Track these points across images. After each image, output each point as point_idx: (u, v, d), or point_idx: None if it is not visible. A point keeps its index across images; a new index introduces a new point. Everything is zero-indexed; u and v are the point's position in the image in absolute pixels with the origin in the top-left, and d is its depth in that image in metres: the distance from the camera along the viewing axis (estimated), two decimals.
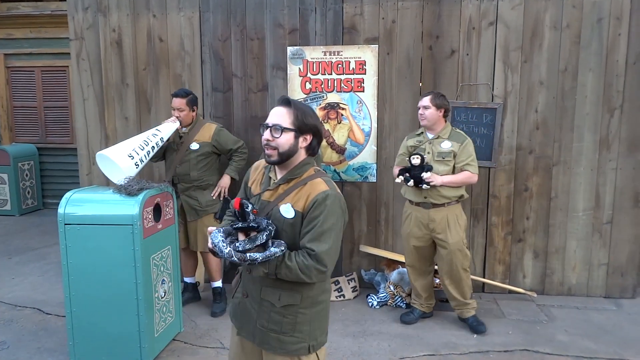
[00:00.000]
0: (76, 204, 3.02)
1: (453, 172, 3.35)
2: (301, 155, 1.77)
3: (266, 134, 1.73)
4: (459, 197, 3.40)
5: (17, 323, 3.73)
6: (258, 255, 1.61)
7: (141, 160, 3.30)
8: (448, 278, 3.47)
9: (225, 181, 3.84)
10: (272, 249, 1.63)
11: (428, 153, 3.36)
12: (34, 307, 4.02)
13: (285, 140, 1.71)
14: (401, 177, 3.37)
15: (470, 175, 3.34)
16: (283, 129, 1.71)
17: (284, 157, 1.73)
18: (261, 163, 1.94)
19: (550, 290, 4.15)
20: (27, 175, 7.37)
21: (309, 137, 1.76)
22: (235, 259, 1.61)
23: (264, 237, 1.64)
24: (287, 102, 1.75)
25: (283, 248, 1.66)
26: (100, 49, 4.33)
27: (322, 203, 1.66)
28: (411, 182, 3.31)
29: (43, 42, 7.37)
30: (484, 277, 4.17)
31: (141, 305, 2.98)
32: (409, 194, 3.47)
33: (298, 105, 1.75)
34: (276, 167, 1.81)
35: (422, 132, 3.49)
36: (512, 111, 4.01)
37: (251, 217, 1.65)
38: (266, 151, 1.75)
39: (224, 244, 1.65)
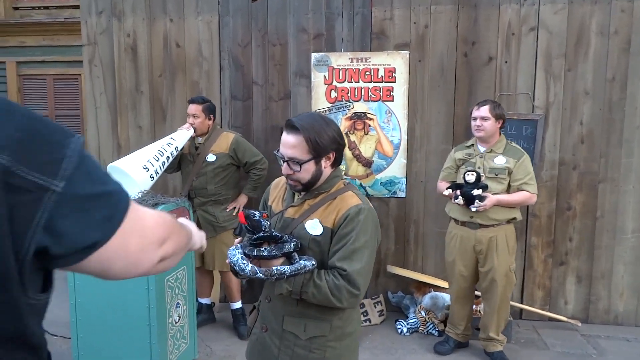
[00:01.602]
0: None
1: (507, 192, 3.04)
2: (327, 172, 1.62)
3: (285, 169, 1.59)
4: (510, 219, 3.07)
5: None
6: (287, 268, 1.44)
7: (156, 172, 3.05)
8: (487, 306, 3.16)
9: (242, 200, 3.59)
10: (302, 262, 1.47)
11: (479, 168, 3.06)
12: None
13: (307, 171, 1.57)
14: (450, 191, 3.07)
15: (529, 196, 3.01)
16: (302, 163, 1.55)
17: (310, 185, 1.60)
18: (282, 180, 1.77)
19: (594, 318, 3.81)
20: None
21: (331, 156, 1.60)
22: (261, 274, 1.43)
23: (292, 247, 1.49)
24: (294, 127, 1.55)
25: (314, 262, 1.50)
26: (114, 55, 4.11)
27: (354, 218, 1.52)
28: (460, 200, 3.00)
29: (55, 49, 7.22)
30: (522, 303, 3.84)
31: (154, 333, 2.71)
32: (454, 212, 3.17)
33: (308, 127, 1.54)
34: None
35: (472, 144, 3.19)
36: (555, 123, 3.72)
37: (264, 224, 1.48)
38: (289, 182, 1.62)
39: (244, 262, 1.47)
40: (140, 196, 2.84)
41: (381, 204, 3.95)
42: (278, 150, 1.59)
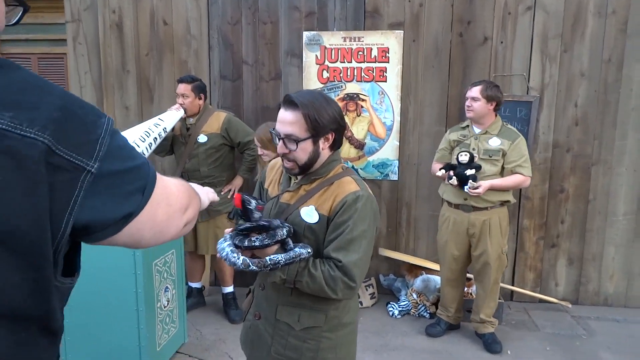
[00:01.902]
0: None
1: (501, 174, 3.01)
2: (325, 155, 1.53)
3: (280, 147, 1.49)
4: (503, 201, 3.04)
5: None
6: (281, 257, 1.37)
7: (142, 154, 2.96)
8: (480, 289, 3.16)
9: (237, 182, 3.51)
10: (297, 250, 1.40)
11: (473, 149, 3.01)
12: None
13: (304, 150, 1.47)
14: (443, 172, 3.03)
15: (522, 179, 2.98)
16: (299, 141, 1.46)
17: (307, 167, 1.51)
18: (278, 161, 1.68)
19: (584, 300, 3.83)
20: None
21: (330, 136, 1.51)
22: (254, 267, 1.37)
23: (284, 233, 1.41)
24: (293, 103, 1.46)
25: (310, 250, 1.43)
26: (99, 32, 3.98)
27: (351, 205, 1.43)
28: (454, 181, 2.96)
29: (40, 27, 7.00)
30: (513, 285, 3.84)
31: (142, 317, 2.67)
32: (448, 195, 3.13)
33: (307, 103, 1.45)
34: None
35: (467, 126, 3.14)
36: (549, 105, 3.67)
37: (256, 214, 1.44)
38: (285, 164, 1.52)
39: (235, 255, 1.40)
40: None
41: (373, 187, 3.90)
42: (274, 128, 1.51)
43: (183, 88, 3.33)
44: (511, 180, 2.97)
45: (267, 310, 1.58)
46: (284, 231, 1.41)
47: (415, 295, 3.62)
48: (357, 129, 3.86)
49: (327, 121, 1.46)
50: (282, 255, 1.38)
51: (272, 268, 1.38)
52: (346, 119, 3.84)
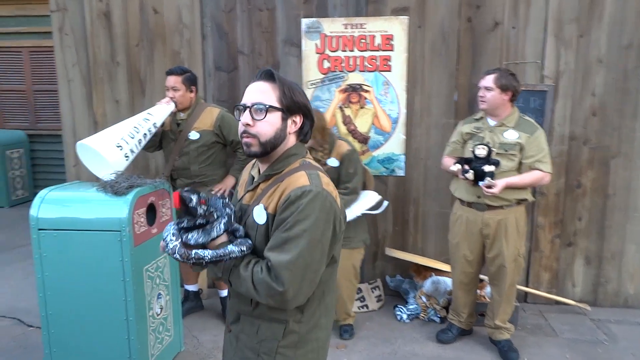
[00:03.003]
0: (52, 205, 2.50)
1: (518, 170, 2.79)
2: (289, 142, 1.41)
3: (245, 117, 1.34)
4: (520, 200, 2.81)
5: None
6: (207, 254, 1.30)
7: (132, 151, 2.76)
8: (496, 293, 2.95)
9: (229, 182, 3.30)
10: (230, 247, 1.31)
11: (488, 143, 2.78)
12: (14, 317, 3.53)
13: (271, 123, 1.34)
14: (458, 166, 2.79)
15: (542, 175, 2.74)
16: (267, 109, 1.33)
17: (269, 147, 1.36)
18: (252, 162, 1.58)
19: (603, 301, 3.62)
20: (16, 164, 6.84)
21: (298, 119, 1.40)
22: (178, 255, 1.30)
23: (221, 228, 1.32)
24: (270, 75, 1.36)
25: (244, 249, 1.32)
26: (86, 22, 3.75)
27: (294, 202, 1.27)
28: (471, 175, 2.71)
29: (31, 20, 6.80)
30: (527, 286, 3.64)
31: (132, 328, 2.48)
32: (460, 192, 2.90)
33: (284, 79, 1.38)
34: (259, 161, 1.45)
35: (481, 117, 2.90)
36: (565, 94, 3.44)
37: (201, 210, 1.33)
38: (244, 139, 1.36)
39: (172, 238, 1.34)
40: (113, 178, 2.56)
41: (378, 183, 3.69)
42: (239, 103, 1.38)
43: (173, 80, 3.12)
44: (529, 177, 2.73)
45: (232, 320, 1.49)
46: (221, 226, 1.32)
47: (424, 298, 3.42)
48: (361, 121, 3.64)
49: (300, 102, 1.37)
50: (210, 252, 1.30)
51: (195, 262, 1.31)
52: (349, 111, 3.63)
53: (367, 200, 3.08)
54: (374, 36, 3.53)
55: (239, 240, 1.35)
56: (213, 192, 3.23)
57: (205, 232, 1.32)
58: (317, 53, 3.59)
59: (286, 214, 1.27)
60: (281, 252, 1.25)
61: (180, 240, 1.33)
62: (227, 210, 1.36)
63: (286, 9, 3.58)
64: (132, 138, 2.79)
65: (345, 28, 3.54)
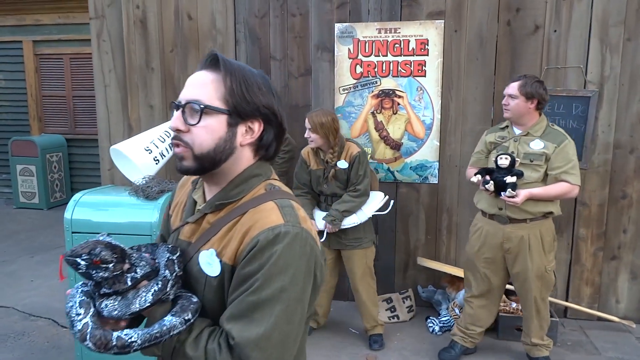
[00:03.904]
0: (86, 208, 2.53)
1: (544, 181, 2.63)
2: (244, 159, 1.02)
3: (175, 120, 0.97)
4: (546, 213, 2.66)
5: (28, 337, 3.31)
6: (135, 337, 0.89)
7: (162, 155, 2.77)
8: (524, 310, 2.81)
9: None
10: (169, 320, 0.91)
11: (512, 152, 2.66)
12: (49, 317, 3.60)
13: (209, 130, 0.96)
14: (479, 177, 2.68)
15: (569, 187, 2.58)
16: (203, 110, 0.96)
17: (206, 163, 0.98)
18: (190, 178, 1.19)
19: None
20: (55, 167, 7.05)
21: (256, 126, 1.00)
22: (91, 343, 0.87)
23: (147, 299, 0.92)
24: (214, 61, 0.99)
25: (189, 316, 0.93)
26: (123, 29, 3.83)
27: (265, 249, 0.91)
28: (491, 186, 2.61)
29: (71, 27, 7.02)
30: (567, 300, 3.47)
31: None
32: (482, 203, 2.78)
33: (235, 68, 0.98)
34: (204, 180, 1.07)
35: (507, 126, 2.79)
36: (610, 100, 3.28)
37: (102, 274, 0.90)
38: (174, 149, 1.00)
39: (80, 312, 0.91)
40: (145, 182, 2.57)
41: (411, 191, 3.60)
42: (175, 101, 1.01)
43: None
44: (555, 189, 2.58)
45: None
46: (148, 297, 0.92)
47: (457, 310, 3.30)
48: (394, 128, 3.56)
49: (258, 100, 0.98)
50: (140, 333, 0.90)
51: (118, 352, 0.89)
52: (381, 117, 3.56)
53: (375, 202, 3.06)
54: (408, 41, 3.46)
55: (179, 304, 0.95)
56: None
57: (124, 302, 0.92)
58: (350, 58, 3.55)
59: (253, 267, 0.90)
60: (249, 323, 0.89)
61: (91, 314, 0.91)
62: (166, 272, 0.96)
63: (319, 14, 3.56)
64: (163, 142, 2.80)
65: (379, 33, 3.48)
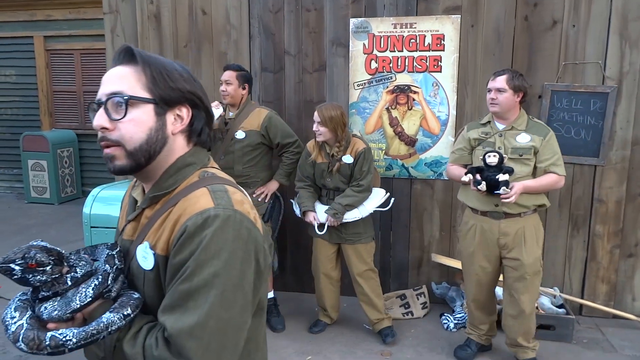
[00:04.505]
0: (104, 203, 2.53)
1: (533, 175, 2.63)
2: (178, 148, 1.00)
3: (99, 118, 0.93)
4: (538, 205, 2.66)
5: None
6: (70, 335, 0.86)
7: None
8: (512, 308, 2.73)
9: (272, 186, 3.27)
10: (107, 317, 0.88)
11: (499, 148, 2.64)
12: None
13: (138, 122, 0.93)
14: (469, 177, 2.63)
15: (557, 178, 2.59)
16: (128, 101, 0.92)
17: (142, 158, 0.95)
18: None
19: None
20: (66, 162, 7.09)
21: (184, 112, 0.99)
22: (23, 344, 0.84)
23: (88, 294, 0.89)
24: (128, 55, 0.96)
25: (128, 311, 0.90)
26: (137, 24, 3.82)
27: (195, 234, 0.87)
28: (483, 186, 2.56)
29: (82, 23, 7.03)
30: (582, 298, 3.45)
31: None
32: (472, 201, 2.74)
33: (152, 58, 0.97)
34: (140, 179, 1.05)
35: (488, 122, 2.76)
36: (629, 96, 3.25)
37: (39, 277, 0.87)
38: (104, 151, 0.96)
39: (15, 315, 0.88)
40: None
41: (425, 187, 3.59)
42: (96, 100, 0.97)
43: (228, 75, 3.15)
44: (546, 180, 2.59)
45: None
46: (88, 291, 0.90)
47: None
48: (408, 123, 3.54)
49: (182, 86, 0.97)
50: (75, 331, 0.86)
51: (52, 352, 0.85)
52: (396, 113, 3.54)
53: (377, 198, 3.09)
54: (424, 36, 3.43)
55: (119, 301, 0.93)
56: (255, 194, 3.19)
57: (64, 301, 0.89)
58: (365, 53, 3.53)
59: (184, 255, 0.87)
60: (183, 313, 0.85)
61: (27, 317, 0.88)
62: (106, 266, 0.94)
63: (334, 9, 3.54)
64: None
65: (395, 28, 3.46)
